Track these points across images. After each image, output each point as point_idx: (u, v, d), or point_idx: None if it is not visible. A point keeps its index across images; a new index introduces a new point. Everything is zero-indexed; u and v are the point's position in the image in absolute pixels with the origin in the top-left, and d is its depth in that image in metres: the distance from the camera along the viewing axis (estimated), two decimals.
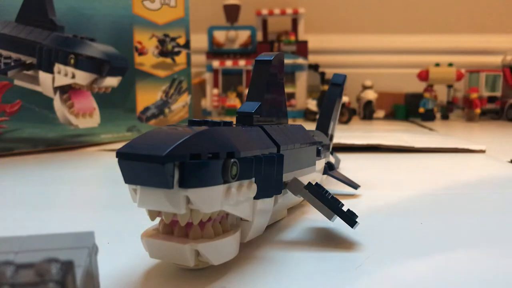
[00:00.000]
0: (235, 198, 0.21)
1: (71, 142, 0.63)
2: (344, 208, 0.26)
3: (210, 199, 0.19)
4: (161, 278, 0.22)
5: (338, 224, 0.27)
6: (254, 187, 0.22)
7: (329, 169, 0.39)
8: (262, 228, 0.25)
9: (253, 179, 0.22)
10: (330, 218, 0.26)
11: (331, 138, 0.42)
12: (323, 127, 0.40)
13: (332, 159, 0.43)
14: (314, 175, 0.32)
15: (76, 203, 0.36)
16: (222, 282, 0.21)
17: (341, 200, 0.26)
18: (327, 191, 0.27)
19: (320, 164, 0.35)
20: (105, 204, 0.36)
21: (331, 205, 0.26)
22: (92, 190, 0.42)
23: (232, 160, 0.20)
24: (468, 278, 0.22)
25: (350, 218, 0.26)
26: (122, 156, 0.20)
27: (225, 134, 0.21)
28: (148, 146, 0.19)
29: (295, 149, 0.28)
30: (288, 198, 0.28)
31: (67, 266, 0.13)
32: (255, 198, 0.23)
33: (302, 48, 1.11)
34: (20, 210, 0.34)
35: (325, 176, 0.39)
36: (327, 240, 0.26)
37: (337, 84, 0.42)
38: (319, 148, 0.33)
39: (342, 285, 0.21)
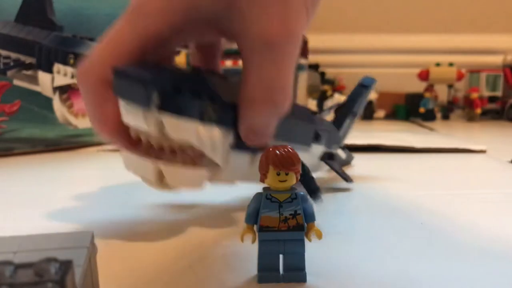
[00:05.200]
0: (208, 140, 0.22)
1: (70, 142, 0.63)
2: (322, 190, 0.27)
3: (182, 129, 0.21)
4: (161, 278, 0.22)
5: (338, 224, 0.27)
6: (231, 136, 0.23)
7: (328, 158, 0.39)
8: (232, 180, 0.26)
9: (232, 129, 0.23)
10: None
11: (344, 135, 0.42)
12: (338, 121, 0.40)
13: (342, 154, 0.43)
14: (306, 156, 0.32)
15: (75, 203, 0.36)
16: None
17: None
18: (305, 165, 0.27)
19: (318, 149, 0.35)
20: (105, 204, 0.36)
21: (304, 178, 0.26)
22: (92, 190, 0.41)
23: (211, 103, 0.22)
24: (469, 278, 0.21)
25: (316, 193, 0.27)
26: (118, 73, 0.22)
27: (213, 82, 0.23)
28: (140, 71, 0.22)
29: (287, 118, 0.28)
30: None
31: (66, 266, 0.13)
32: (232, 148, 0.24)
33: (302, 48, 1.10)
34: (19, 210, 0.34)
35: (321, 164, 0.38)
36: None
37: (365, 85, 0.42)
38: (319, 133, 0.33)
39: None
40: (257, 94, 0.23)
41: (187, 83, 0.22)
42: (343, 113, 0.41)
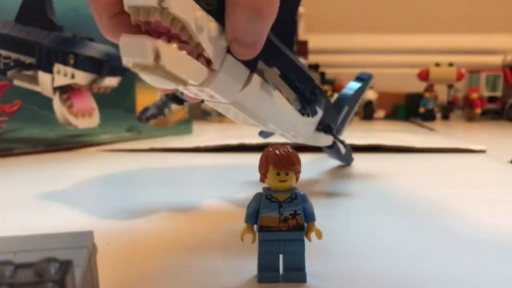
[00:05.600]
0: (205, 28, 0.22)
1: (70, 142, 0.63)
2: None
3: (182, 3, 0.21)
4: (160, 278, 0.22)
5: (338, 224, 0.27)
6: (224, 37, 0.23)
7: (325, 131, 0.38)
8: (227, 91, 0.25)
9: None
10: (298, 109, 0.28)
11: (343, 123, 0.43)
12: (336, 106, 0.41)
13: (342, 148, 0.43)
14: (294, 114, 0.32)
15: (75, 203, 0.36)
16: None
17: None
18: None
19: (316, 117, 0.35)
20: (105, 204, 0.36)
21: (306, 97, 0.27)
22: (92, 190, 0.41)
23: None
24: (469, 278, 0.21)
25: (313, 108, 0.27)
26: None
27: None
28: None
29: (286, 53, 0.28)
30: (261, 93, 0.27)
31: (66, 266, 0.13)
32: (228, 52, 0.24)
33: (302, 48, 1.11)
34: (19, 210, 0.34)
35: (318, 138, 0.38)
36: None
37: (361, 78, 0.44)
38: (316, 90, 0.32)
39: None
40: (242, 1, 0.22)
41: None
42: (341, 99, 0.42)
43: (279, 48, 0.28)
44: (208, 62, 0.23)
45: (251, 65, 0.26)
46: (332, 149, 0.42)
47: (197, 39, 0.22)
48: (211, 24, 0.22)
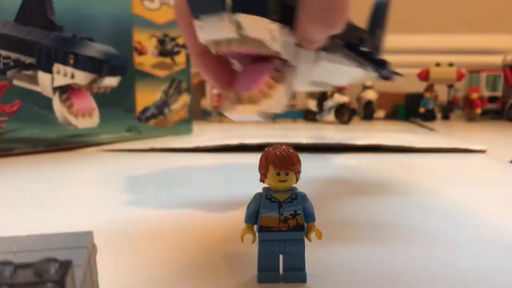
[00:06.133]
0: (278, 36, 0.24)
1: (70, 142, 0.63)
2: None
3: (257, 25, 0.23)
4: (161, 278, 0.22)
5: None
6: (293, 35, 0.25)
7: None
8: (306, 82, 0.28)
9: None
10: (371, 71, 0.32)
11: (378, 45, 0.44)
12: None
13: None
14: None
15: (75, 203, 0.36)
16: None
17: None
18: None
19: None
20: (105, 204, 0.36)
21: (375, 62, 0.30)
22: (92, 190, 0.41)
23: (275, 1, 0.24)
24: (469, 277, 0.21)
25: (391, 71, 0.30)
26: None
27: None
28: None
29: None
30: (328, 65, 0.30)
31: (66, 266, 0.13)
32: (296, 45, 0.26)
33: None
34: (19, 210, 0.34)
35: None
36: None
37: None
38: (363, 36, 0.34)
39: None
40: (315, 13, 0.24)
41: None
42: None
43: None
44: (285, 61, 0.25)
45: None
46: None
47: (274, 48, 0.24)
48: (282, 31, 0.24)
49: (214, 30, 0.24)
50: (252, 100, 0.25)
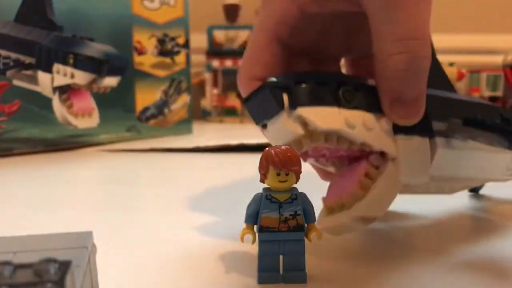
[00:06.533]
0: (360, 123, 0.20)
1: (70, 143, 0.63)
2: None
3: (323, 115, 0.20)
4: (160, 279, 0.21)
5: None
6: (383, 120, 0.21)
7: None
8: (418, 170, 0.22)
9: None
10: (507, 146, 0.24)
11: None
12: None
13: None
14: (502, 154, 0.27)
15: (75, 203, 0.36)
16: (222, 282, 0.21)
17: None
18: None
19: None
20: (104, 204, 0.36)
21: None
22: (92, 190, 0.41)
23: (343, 87, 0.21)
24: (469, 276, 0.21)
25: None
26: (245, 101, 0.23)
27: (344, 76, 0.23)
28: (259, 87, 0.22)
29: (453, 97, 0.25)
30: (454, 153, 0.24)
31: (66, 266, 0.13)
32: (396, 133, 0.22)
33: None
34: (19, 210, 0.34)
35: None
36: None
37: None
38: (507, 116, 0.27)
39: None
40: (390, 46, 0.21)
41: (313, 76, 0.21)
42: None
43: (444, 97, 0.25)
44: (382, 155, 0.22)
45: (425, 130, 0.23)
46: None
47: (357, 140, 0.21)
48: (365, 117, 0.21)
49: (280, 134, 0.21)
50: (342, 206, 0.21)
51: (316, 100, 0.20)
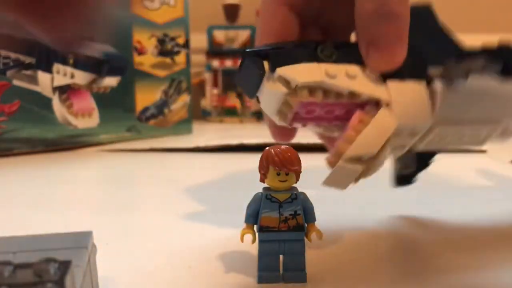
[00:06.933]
0: (338, 74, 0.21)
1: (70, 142, 0.63)
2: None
3: (301, 70, 0.20)
4: (160, 278, 0.22)
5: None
6: (369, 70, 0.21)
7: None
8: (419, 113, 0.22)
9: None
10: None
11: None
12: None
13: None
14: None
15: (75, 203, 0.36)
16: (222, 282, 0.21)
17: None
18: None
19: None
20: (104, 204, 0.36)
21: None
22: (91, 190, 0.41)
23: (321, 45, 0.21)
24: (469, 277, 0.21)
25: None
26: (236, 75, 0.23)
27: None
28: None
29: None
30: (457, 94, 0.23)
31: (66, 266, 0.13)
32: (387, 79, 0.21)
33: None
34: (19, 210, 0.34)
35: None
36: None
37: None
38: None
39: None
40: (369, 5, 0.21)
41: (294, 42, 0.22)
42: None
43: (441, 44, 0.25)
44: (378, 105, 0.21)
45: (420, 75, 0.22)
46: None
47: (342, 89, 0.21)
48: (347, 67, 0.21)
49: (268, 100, 0.21)
50: (339, 153, 0.21)
51: (295, 60, 0.21)
